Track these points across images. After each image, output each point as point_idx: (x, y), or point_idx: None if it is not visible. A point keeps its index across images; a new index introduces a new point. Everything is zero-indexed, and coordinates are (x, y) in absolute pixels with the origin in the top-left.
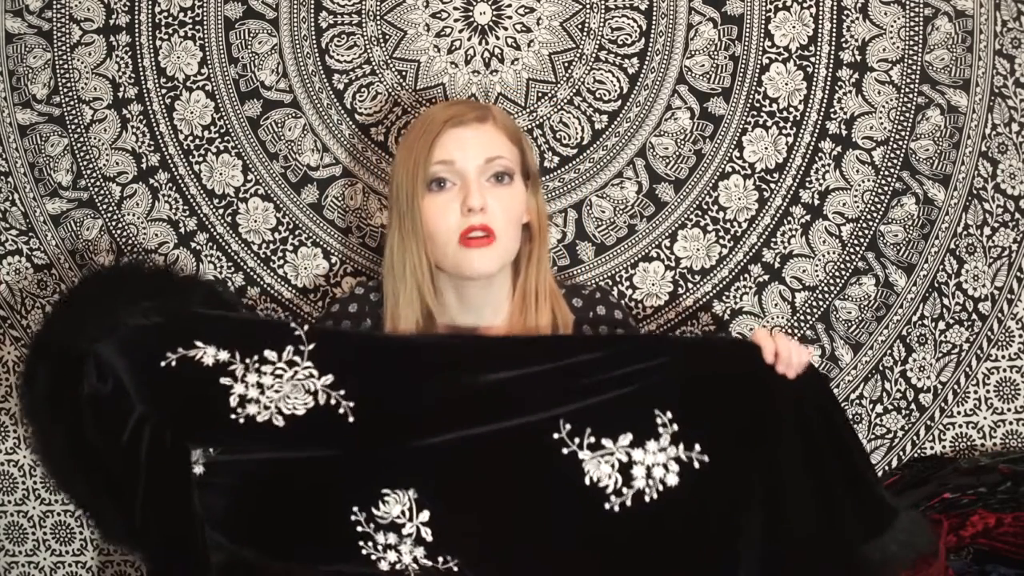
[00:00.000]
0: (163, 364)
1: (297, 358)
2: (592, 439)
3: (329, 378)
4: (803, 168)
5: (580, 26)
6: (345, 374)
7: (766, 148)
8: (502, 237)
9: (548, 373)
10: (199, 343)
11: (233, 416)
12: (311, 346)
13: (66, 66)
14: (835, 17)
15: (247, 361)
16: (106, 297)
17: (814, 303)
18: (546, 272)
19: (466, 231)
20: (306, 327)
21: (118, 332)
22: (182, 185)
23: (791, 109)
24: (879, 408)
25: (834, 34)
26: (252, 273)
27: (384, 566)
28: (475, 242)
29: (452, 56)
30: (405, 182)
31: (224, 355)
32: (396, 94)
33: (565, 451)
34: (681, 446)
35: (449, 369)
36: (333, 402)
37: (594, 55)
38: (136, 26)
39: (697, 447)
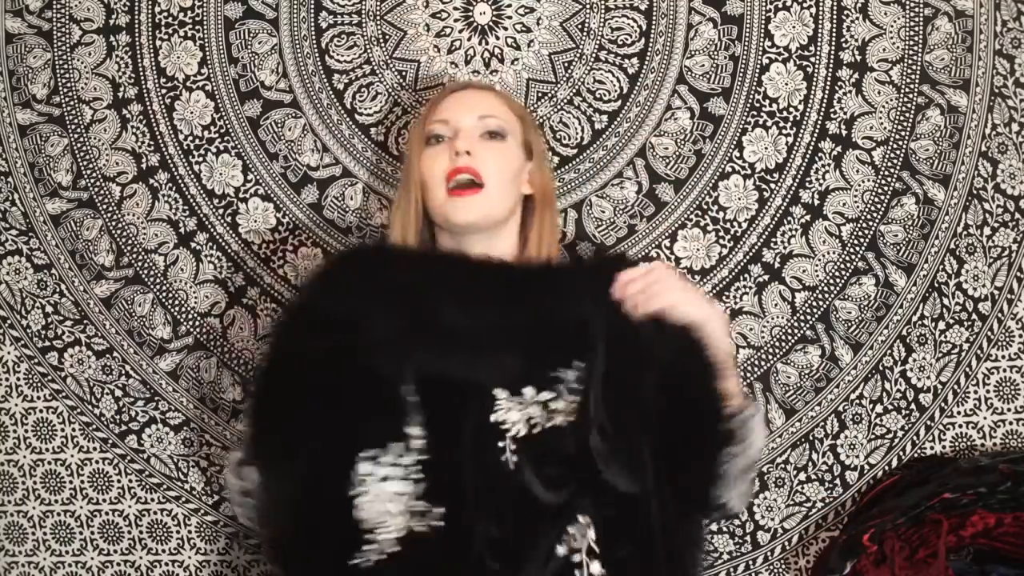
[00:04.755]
0: None
1: None
2: None
3: None
4: (803, 168)
5: (580, 26)
6: None
7: (766, 148)
8: (491, 188)
9: None
10: None
11: None
12: None
13: (66, 66)
14: (835, 17)
15: None
16: None
17: (814, 303)
18: (553, 246)
19: (452, 172)
20: None
21: None
22: (182, 185)
23: (791, 109)
24: (879, 408)
25: (834, 34)
26: (252, 273)
27: None
28: (463, 192)
29: (452, 56)
30: (409, 144)
31: None
32: (396, 94)
33: None
34: None
35: None
36: None
37: (594, 55)
38: (136, 26)
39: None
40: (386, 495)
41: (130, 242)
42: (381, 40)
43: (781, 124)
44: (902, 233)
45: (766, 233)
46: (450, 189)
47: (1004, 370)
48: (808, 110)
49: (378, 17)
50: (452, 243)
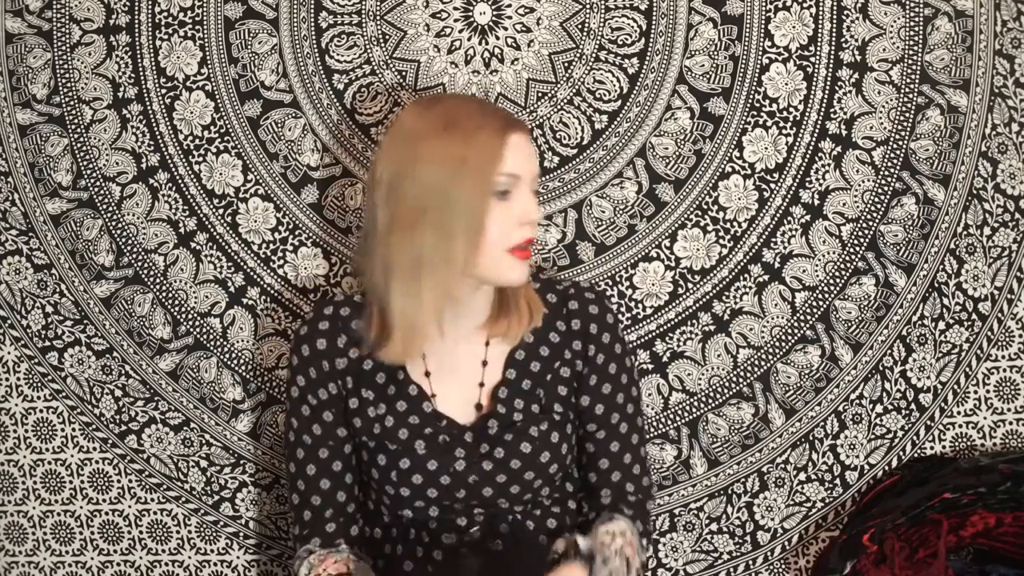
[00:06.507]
0: None
1: None
2: None
3: None
4: (803, 168)
5: (580, 26)
6: None
7: (766, 148)
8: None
9: None
10: None
11: None
12: None
13: (66, 66)
14: (835, 17)
15: None
16: None
17: (814, 303)
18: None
19: (523, 243)
20: None
21: None
22: (182, 185)
23: (791, 109)
24: (879, 408)
25: (834, 34)
26: (252, 273)
27: None
28: (523, 253)
29: (452, 56)
30: (466, 185)
31: None
32: (396, 94)
33: None
34: None
35: None
36: None
37: (594, 55)
38: (136, 26)
39: None
40: None
41: (130, 242)
42: (381, 40)
43: (781, 124)
44: (902, 233)
45: (766, 233)
46: (513, 249)
47: (1004, 370)
48: (808, 110)
49: (378, 17)
50: (467, 291)
